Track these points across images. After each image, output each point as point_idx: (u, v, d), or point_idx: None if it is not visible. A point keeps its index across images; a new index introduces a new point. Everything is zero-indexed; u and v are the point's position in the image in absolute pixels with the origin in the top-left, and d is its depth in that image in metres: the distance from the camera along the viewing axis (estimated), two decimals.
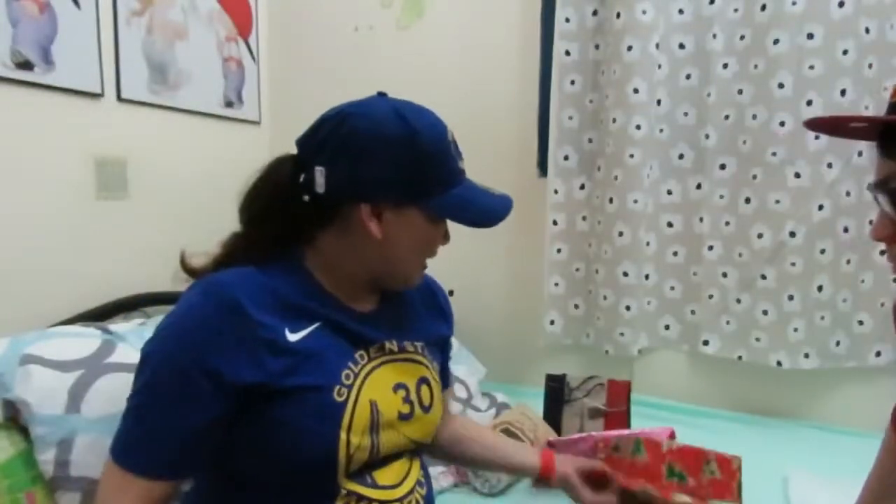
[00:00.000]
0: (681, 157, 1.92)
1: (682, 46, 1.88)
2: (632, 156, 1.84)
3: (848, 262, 1.78)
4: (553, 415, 1.65)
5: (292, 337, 0.80)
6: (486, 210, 0.86)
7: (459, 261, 2.13)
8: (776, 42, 1.74)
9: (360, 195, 0.82)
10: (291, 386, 0.78)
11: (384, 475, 0.86)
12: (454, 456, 1.12)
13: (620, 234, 1.88)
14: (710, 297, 1.91)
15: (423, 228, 0.85)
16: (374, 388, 0.84)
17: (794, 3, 1.70)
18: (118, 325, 1.33)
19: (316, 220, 0.86)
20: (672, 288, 1.97)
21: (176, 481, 0.79)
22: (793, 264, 1.77)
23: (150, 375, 0.77)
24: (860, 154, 1.72)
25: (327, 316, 0.84)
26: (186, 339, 0.76)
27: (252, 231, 0.88)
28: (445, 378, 1.11)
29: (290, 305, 0.82)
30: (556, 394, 1.67)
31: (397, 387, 0.88)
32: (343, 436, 0.80)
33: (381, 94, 0.88)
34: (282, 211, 0.85)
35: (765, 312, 1.82)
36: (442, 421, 1.05)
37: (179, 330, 0.78)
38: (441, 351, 1.06)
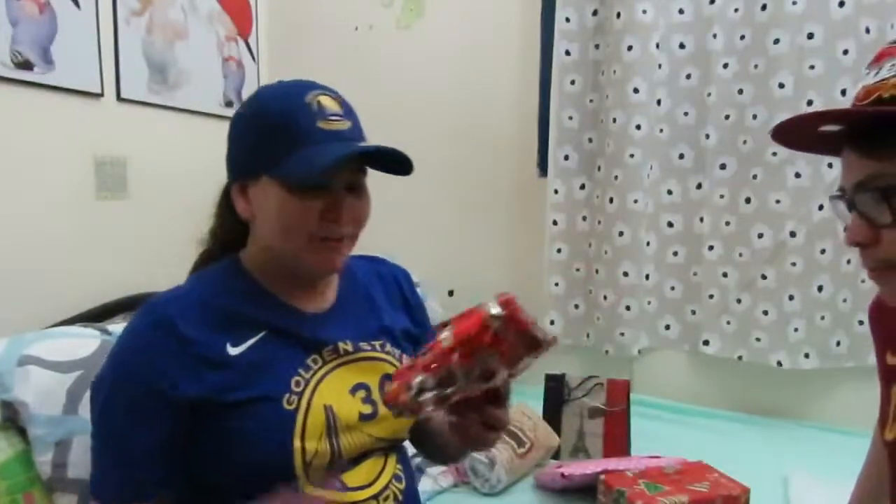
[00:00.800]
0: (681, 156, 1.92)
1: (682, 46, 1.88)
2: (632, 156, 1.84)
3: (848, 261, 1.77)
4: (552, 414, 1.65)
5: (234, 350, 0.80)
6: (320, 162, 0.76)
7: (459, 261, 2.14)
8: (776, 42, 1.73)
9: (231, 177, 0.86)
10: (237, 400, 0.78)
11: (354, 477, 0.85)
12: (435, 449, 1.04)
13: (620, 234, 1.88)
14: (711, 297, 1.91)
15: (283, 199, 0.79)
16: (329, 393, 0.83)
17: (794, 3, 1.70)
18: (117, 326, 1.33)
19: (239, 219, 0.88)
20: (672, 288, 1.97)
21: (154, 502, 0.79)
22: (793, 264, 1.77)
23: (102, 405, 0.79)
24: None
25: (272, 324, 0.83)
26: (127, 364, 0.79)
27: (215, 229, 0.93)
28: None
29: (233, 316, 0.82)
30: (556, 393, 1.67)
31: (356, 388, 0.86)
32: (297, 444, 0.79)
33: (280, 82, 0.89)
34: (227, 212, 0.90)
35: (765, 312, 1.82)
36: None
37: (121, 356, 0.80)
38: (416, 344, 0.99)
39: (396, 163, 0.84)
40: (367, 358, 0.89)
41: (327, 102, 0.82)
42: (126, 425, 0.77)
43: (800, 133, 0.70)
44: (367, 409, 0.86)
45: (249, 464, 0.78)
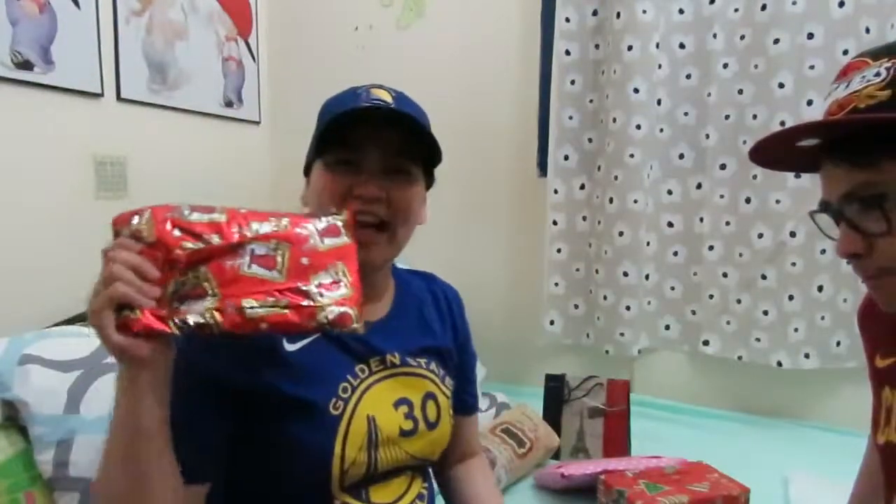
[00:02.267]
0: (681, 156, 1.92)
1: (682, 46, 1.88)
2: (632, 156, 1.84)
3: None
4: (553, 414, 1.65)
5: (290, 346, 0.80)
6: (331, 114, 0.79)
7: (459, 261, 2.14)
8: (776, 42, 1.73)
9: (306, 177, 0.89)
10: (287, 396, 0.77)
11: (381, 492, 0.84)
12: (445, 496, 1.04)
13: (620, 234, 1.88)
14: (711, 297, 1.91)
15: (320, 175, 0.83)
16: (373, 404, 0.83)
17: (794, 3, 1.70)
18: None
19: None
20: (672, 288, 1.97)
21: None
22: (793, 264, 1.77)
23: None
24: None
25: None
26: (183, 352, 0.75)
27: None
28: (467, 402, 1.04)
29: None
30: (556, 393, 1.67)
31: (399, 402, 0.85)
32: (338, 450, 0.78)
33: None
34: None
35: (765, 312, 1.82)
36: (455, 451, 1.01)
37: (180, 344, 0.77)
38: (456, 367, 0.99)
39: (431, 152, 0.83)
40: (412, 373, 0.88)
41: (377, 91, 0.83)
42: (185, 411, 0.73)
43: (777, 150, 0.71)
44: (409, 425, 0.85)
45: (289, 466, 0.78)
